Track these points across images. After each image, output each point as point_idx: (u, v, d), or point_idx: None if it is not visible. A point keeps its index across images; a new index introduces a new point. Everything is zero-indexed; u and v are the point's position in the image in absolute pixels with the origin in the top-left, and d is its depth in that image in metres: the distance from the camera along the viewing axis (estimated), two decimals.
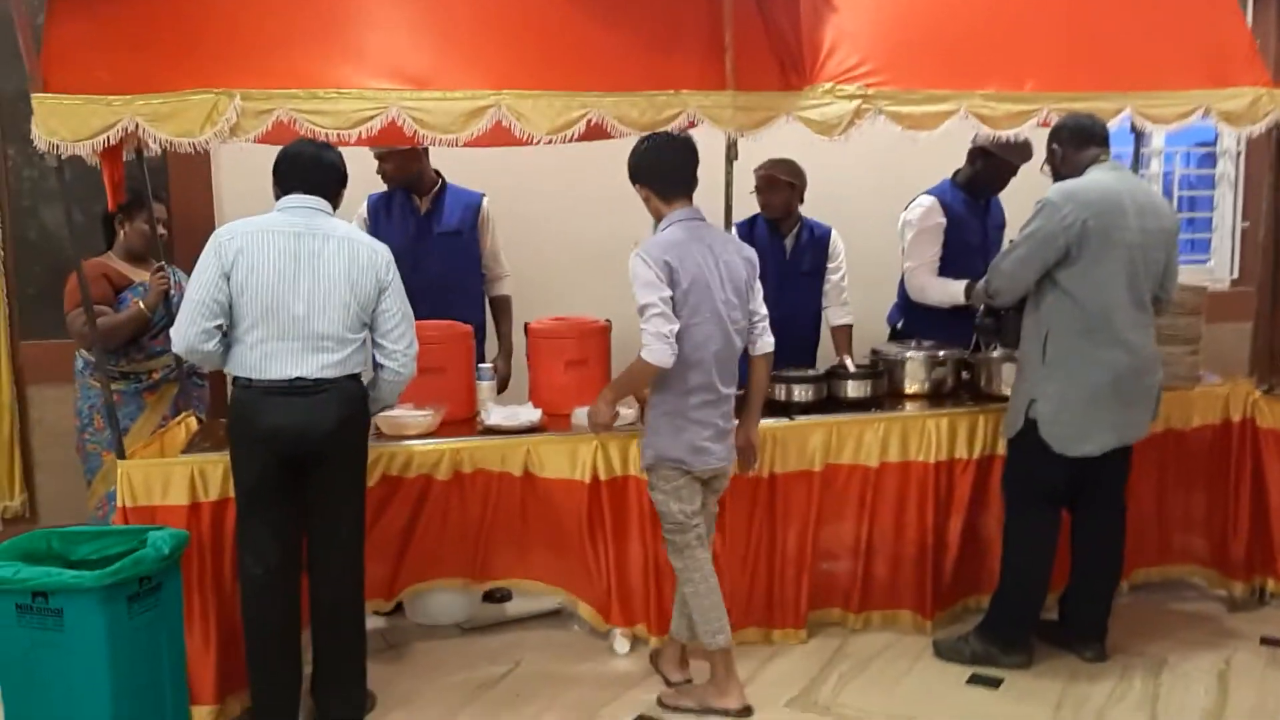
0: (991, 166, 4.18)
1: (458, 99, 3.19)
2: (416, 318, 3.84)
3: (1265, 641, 3.75)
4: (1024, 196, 3.82)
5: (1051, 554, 3.51)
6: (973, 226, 4.29)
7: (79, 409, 3.87)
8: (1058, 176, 3.44)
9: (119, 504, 3.15)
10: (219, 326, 2.91)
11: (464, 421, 3.66)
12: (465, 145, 3.36)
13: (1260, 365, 4.11)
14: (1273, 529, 3.93)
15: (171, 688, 2.99)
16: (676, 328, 3.04)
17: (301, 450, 2.96)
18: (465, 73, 3.22)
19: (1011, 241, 3.42)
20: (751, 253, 3.26)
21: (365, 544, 3.17)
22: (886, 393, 3.92)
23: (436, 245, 4.08)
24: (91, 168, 3.28)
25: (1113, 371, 3.31)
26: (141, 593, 2.86)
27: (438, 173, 4.15)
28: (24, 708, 2.85)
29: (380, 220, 4.12)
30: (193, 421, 3.73)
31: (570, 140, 3.30)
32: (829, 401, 3.82)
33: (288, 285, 2.90)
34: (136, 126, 3.02)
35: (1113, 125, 3.59)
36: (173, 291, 3.77)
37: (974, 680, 3.49)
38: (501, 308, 4.28)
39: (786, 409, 3.76)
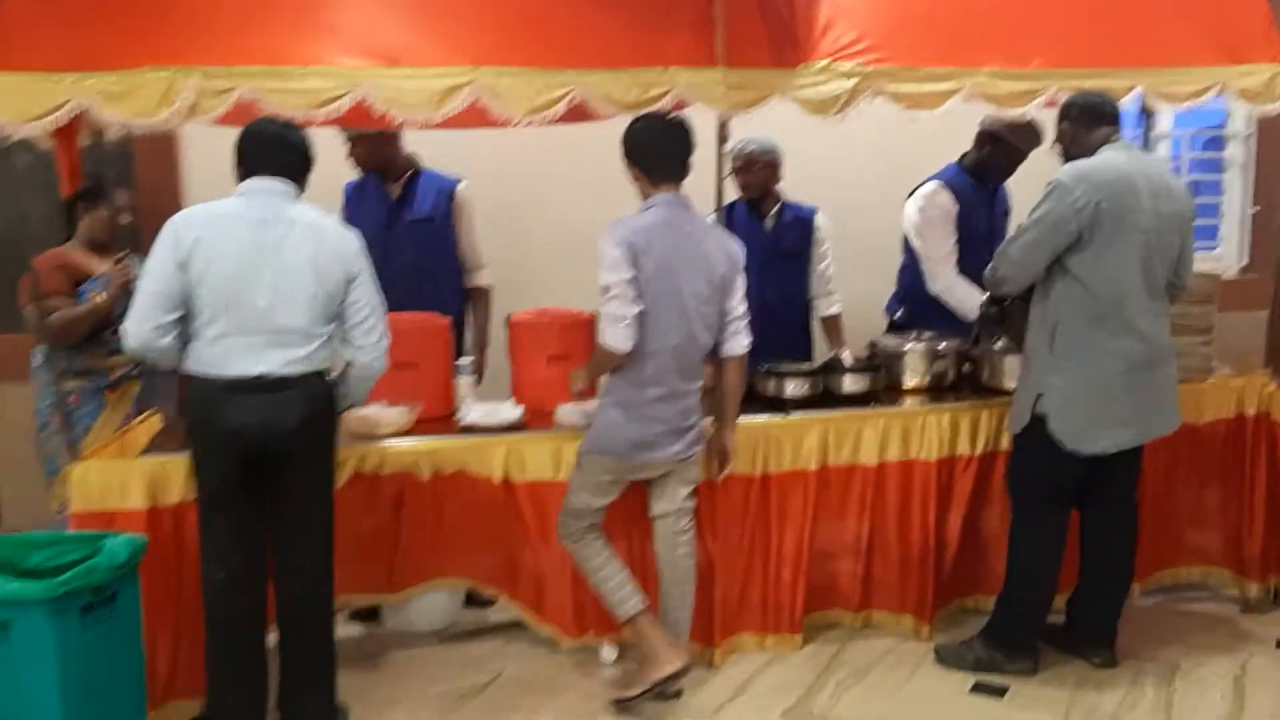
0: (1000, 152, 3.99)
1: (431, 77, 3.02)
2: (389, 310, 3.70)
3: None
4: (1030, 182, 3.68)
5: (1059, 555, 3.35)
6: (980, 214, 4.11)
7: (38, 407, 3.69)
8: (1067, 157, 3.27)
9: (72, 508, 2.97)
10: (176, 321, 2.73)
11: (441, 419, 3.48)
12: (441, 127, 3.22)
13: (1276, 356, 3.94)
14: None
15: (129, 702, 2.83)
16: (636, 311, 2.92)
17: (265, 450, 2.79)
18: (439, 49, 3.06)
19: (1019, 226, 3.24)
20: (736, 249, 3.10)
21: (334, 547, 3.00)
22: (885, 387, 3.75)
23: (408, 233, 3.91)
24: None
25: (1125, 362, 3.14)
26: (95, 603, 2.68)
27: (412, 157, 3.97)
28: None
29: (353, 207, 3.96)
30: (156, 420, 3.55)
31: (551, 121, 3.14)
32: (825, 396, 3.65)
33: (249, 276, 2.72)
34: (89, 107, 2.84)
35: (1122, 106, 3.41)
36: (135, 284, 3.58)
37: (977, 689, 3.33)
38: (479, 299, 4.10)
39: (781, 405, 3.59)
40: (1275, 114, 3.69)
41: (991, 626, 3.44)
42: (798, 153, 4.11)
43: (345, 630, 3.68)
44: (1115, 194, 3.07)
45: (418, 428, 3.37)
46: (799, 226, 4.12)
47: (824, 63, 3.27)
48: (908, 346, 3.84)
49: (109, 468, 3.04)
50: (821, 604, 3.63)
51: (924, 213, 4.04)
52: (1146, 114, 4.13)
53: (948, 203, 4.02)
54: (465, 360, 3.66)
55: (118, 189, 3.64)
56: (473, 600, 3.83)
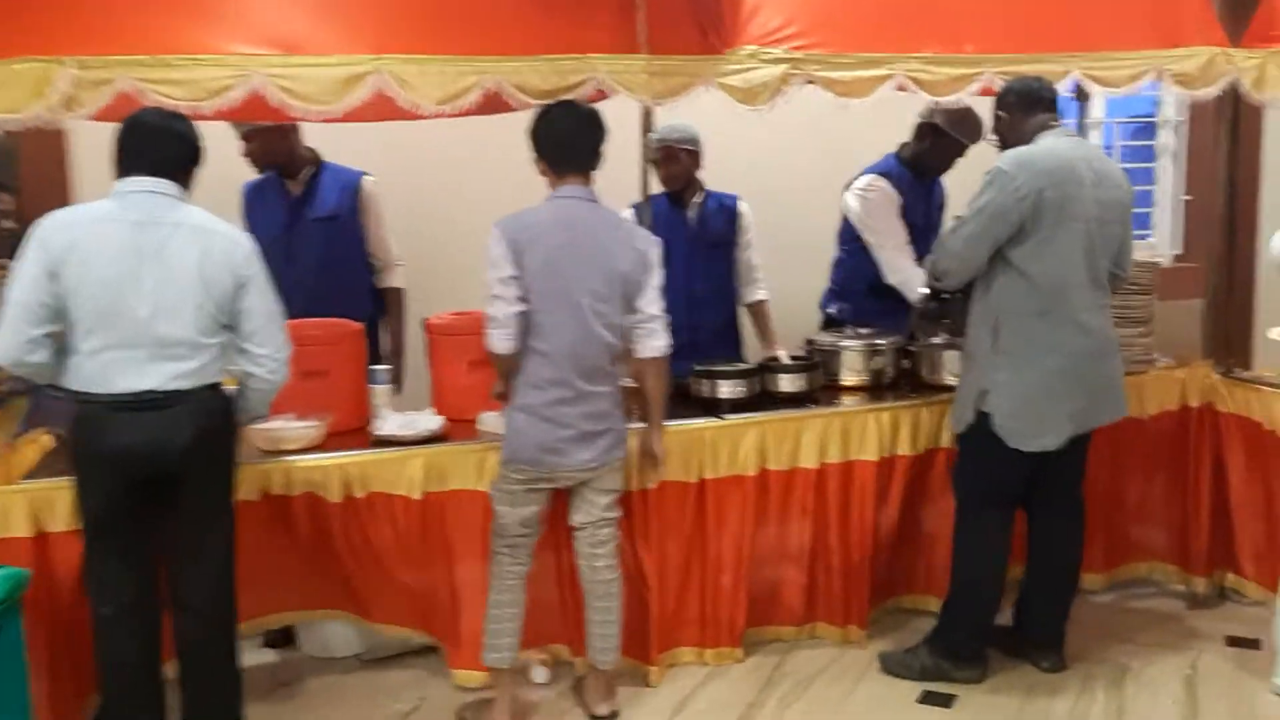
0: (940, 144, 3.87)
1: (331, 65, 2.79)
2: (295, 315, 3.47)
3: (1232, 642, 3.50)
4: (965, 175, 3.55)
5: (1005, 558, 3.24)
6: (917, 208, 4.00)
7: None
8: (1004, 145, 3.15)
9: None
10: (48, 335, 2.49)
11: (356, 432, 3.26)
12: (345, 120, 2.99)
13: (1217, 346, 3.87)
14: (1233, 521, 3.70)
15: None
16: (514, 312, 2.80)
17: (155, 472, 2.56)
18: (339, 35, 2.82)
19: (958, 218, 3.11)
20: (649, 246, 2.92)
21: (237, 572, 2.78)
22: (823, 386, 3.61)
23: (312, 232, 3.68)
24: None
25: (1071, 357, 3.03)
26: None
27: (312, 151, 3.74)
28: None
29: (252, 208, 3.73)
30: (47, 440, 3.28)
31: (464, 112, 2.92)
32: (762, 397, 3.50)
33: (128, 284, 2.48)
34: None
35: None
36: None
37: (925, 699, 3.20)
38: (393, 301, 3.88)
39: (715, 407, 3.43)
40: (1208, 100, 3.62)
41: (937, 633, 3.31)
42: (726, 144, 3.95)
43: (257, 658, 3.46)
44: (1058, 181, 2.95)
45: (330, 442, 3.15)
46: (722, 215, 3.98)
47: (751, 49, 3.10)
48: (845, 343, 3.70)
49: None
50: (764, 619, 3.48)
51: (868, 203, 3.91)
52: (1080, 101, 4.05)
53: (891, 193, 3.90)
54: (380, 368, 3.44)
55: None
56: None
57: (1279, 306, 4.80)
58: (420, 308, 3.79)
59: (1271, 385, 3.57)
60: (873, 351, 3.67)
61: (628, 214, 3.83)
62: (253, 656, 3.43)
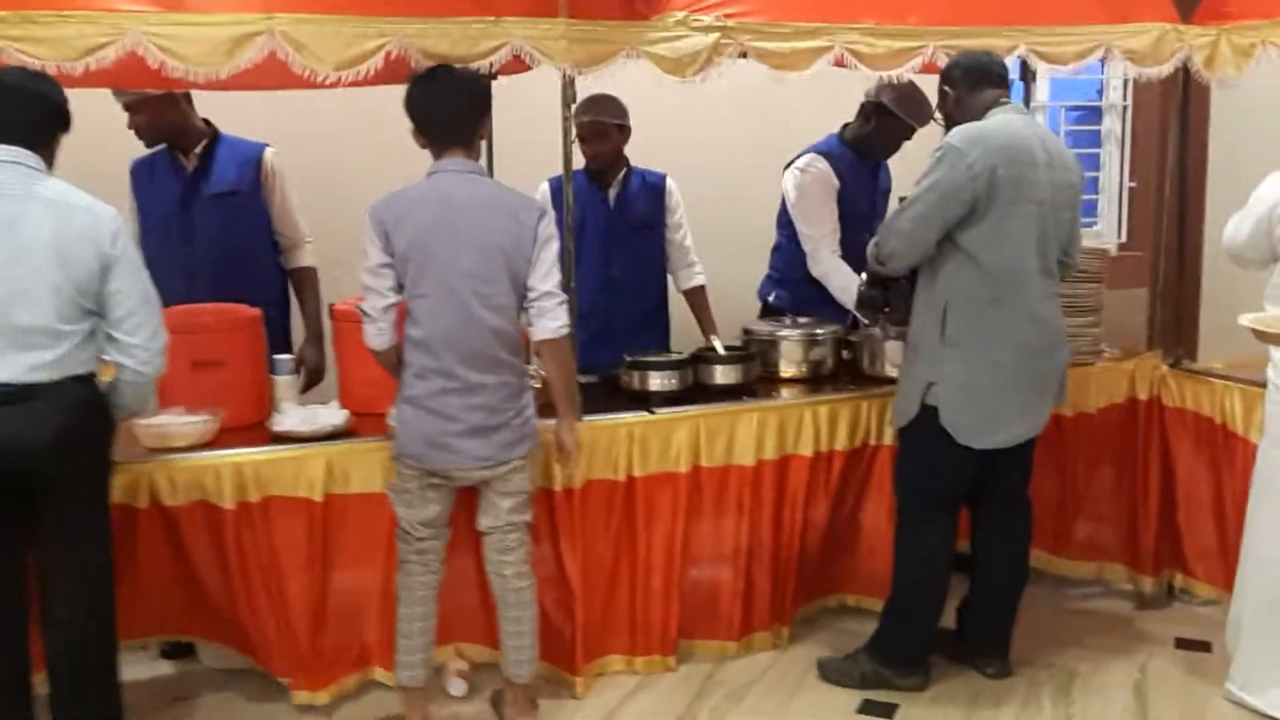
0: (886, 126, 3.68)
1: (217, 24, 2.54)
2: (197, 299, 3.23)
3: (1182, 644, 3.37)
4: (910, 158, 3.38)
5: (949, 560, 3.06)
6: (860, 191, 3.81)
7: None
8: (950, 124, 2.96)
9: None
10: None
11: (254, 427, 3.00)
12: (237, 87, 2.75)
13: (1166, 336, 3.74)
14: (1180, 519, 3.56)
15: None
16: (387, 304, 2.63)
17: (14, 473, 2.29)
18: None
19: (903, 198, 2.92)
20: (535, 217, 2.66)
21: (116, 581, 2.53)
22: (759, 377, 3.41)
23: (210, 209, 3.40)
24: None
25: (1022, 349, 2.86)
26: None
27: (208, 122, 3.47)
28: None
29: (143, 186, 3.45)
30: None
31: (366, 78, 2.68)
32: (695, 390, 3.30)
33: None
34: None
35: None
36: None
37: (866, 708, 3.04)
38: (304, 282, 3.60)
39: (645, 400, 3.22)
40: (1152, 86, 3.49)
41: (878, 639, 3.13)
42: (654, 119, 3.73)
43: (153, 670, 3.22)
44: (1012, 160, 2.77)
45: (224, 438, 2.89)
46: (647, 194, 3.74)
47: (680, 15, 2.88)
48: (783, 333, 3.51)
49: None
50: (697, 628, 3.28)
51: (802, 187, 3.72)
52: (1025, 82, 3.89)
53: (828, 176, 3.71)
54: (284, 357, 3.18)
55: None
56: None
57: (1222, 295, 4.73)
58: (329, 293, 3.53)
59: (1221, 377, 3.43)
60: (812, 342, 3.48)
61: (542, 190, 3.64)
62: (146, 669, 3.20)
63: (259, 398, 3.08)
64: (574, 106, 3.19)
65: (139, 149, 3.43)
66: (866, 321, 3.45)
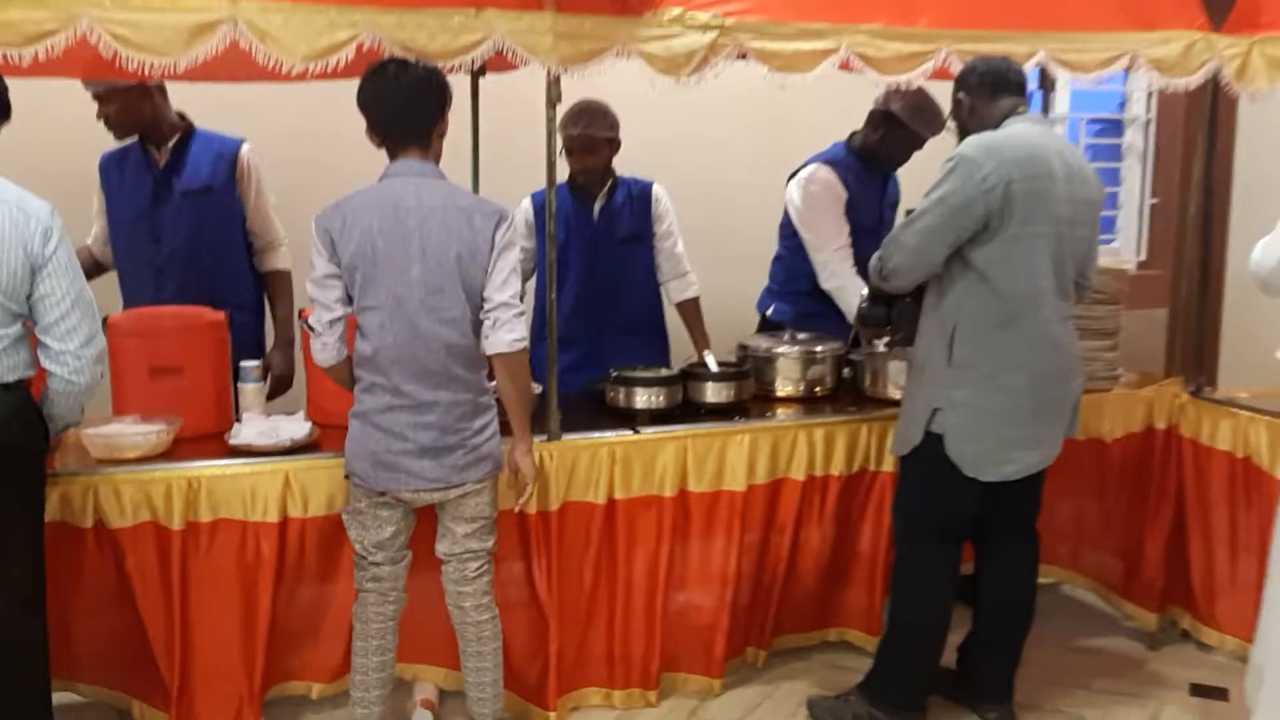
0: (896, 136, 3.50)
1: (176, 10, 2.37)
2: (164, 300, 3.09)
3: (1197, 690, 3.17)
4: (923, 169, 3.18)
5: (949, 598, 2.87)
6: (867, 203, 3.63)
7: None
8: (964, 134, 2.77)
9: None
10: None
11: (214, 437, 2.83)
12: (201, 78, 2.61)
13: (1186, 360, 3.53)
14: (1191, 558, 3.34)
15: None
16: (333, 317, 2.48)
17: None
18: None
19: (910, 212, 2.73)
20: (494, 223, 2.45)
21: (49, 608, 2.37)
22: (754, 396, 3.24)
23: (182, 207, 3.26)
24: None
25: (1035, 374, 2.67)
26: None
27: (182, 116, 3.32)
28: None
29: (112, 181, 3.31)
30: None
31: (337, 70, 2.51)
32: (685, 408, 3.12)
33: None
34: None
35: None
36: None
37: None
38: (277, 285, 3.45)
39: (630, 418, 3.04)
40: (1178, 96, 3.30)
41: (872, 678, 2.94)
42: (648, 123, 3.54)
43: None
44: (1029, 173, 2.58)
45: (180, 450, 2.73)
46: (634, 205, 3.55)
47: (676, 12, 2.70)
48: (780, 349, 3.33)
49: None
50: (683, 664, 3.09)
51: (809, 197, 3.55)
52: (1044, 92, 3.71)
53: (835, 186, 3.53)
54: (250, 364, 3.01)
55: None
56: None
57: (1242, 320, 4.53)
58: (303, 298, 3.36)
59: (1246, 408, 3.22)
60: (810, 359, 3.30)
61: (525, 206, 3.46)
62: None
63: (221, 407, 2.92)
64: (561, 117, 3.05)
65: (111, 142, 3.28)
66: (867, 339, 3.27)
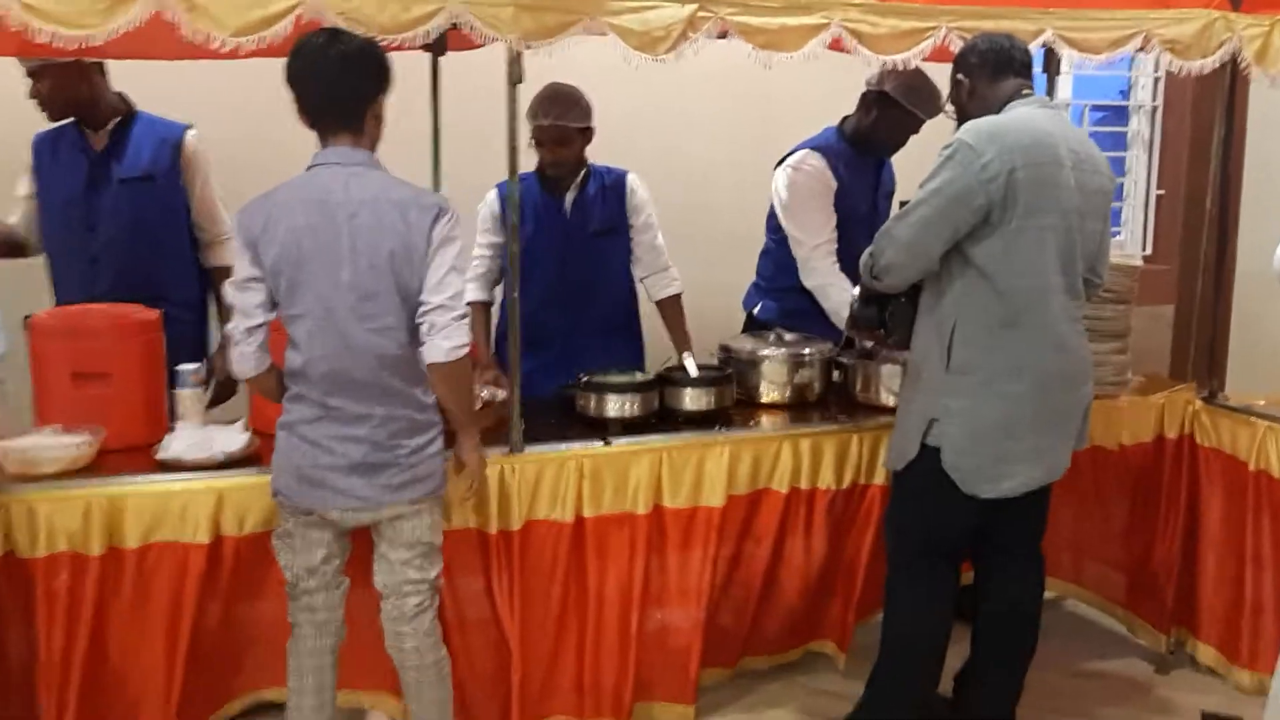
0: (891, 118, 3.28)
1: None
2: (98, 295, 2.88)
3: (1207, 718, 2.96)
4: (919, 156, 2.96)
5: (946, 621, 2.66)
6: (860, 192, 3.42)
7: None
8: (964, 118, 2.55)
9: None
10: None
11: (143, 450, 2.58)
12: (132, 56, 2.39)
13: (1197, 362, 3.31)
14: (1200, 575, 3.14)
15: None
16: (252, 325, 2.23)
17: None
18: None
19: (904, 203, 2.51)
20: (431, 216, 2.20)
21: None
22: (736, 402, 3.01)
23: (120, 196, 3.05)
24: None
25: (1040, 379, 2.45)
26: None
27: (122, 98, 3.08)
28: None
29: (45, 163, 3.08)
30: None
31: (273, 46, 2.27)
32: (660, 417, 2.89)
33: None
34: None
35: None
36: None
37: None
38: (223, 281, 3.21)
39: (601, 428, 2.81)
40: (1184, 82, 3.08)
41: (865, 706, 2.74)
42: (620, 105, 3.32)
43: None
44: (1034, 161, 2.36)
45: (106, 463, 2.49)
46: (608, 196, 3.30)
47: None
48: (764, 352, 3.11)
49: None
50: (658, 693, 2.87)
51: (795, 186, 3.33)
52: (1049, 76, 3.47)
53: (824, 174, 3.31)
54: (188, 367, 2.76)
55: None
56: None
57: (1251, 320, 4.32)
58: None
59: (1263, 416, 3.01)
60: (797, 363, 3.08)
61: (490, 199, 3.23)
62: None
63: (154, 415, 2.68)
64: (529, 104, 2.84)
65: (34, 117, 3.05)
66: (859, 341, 3.05)
